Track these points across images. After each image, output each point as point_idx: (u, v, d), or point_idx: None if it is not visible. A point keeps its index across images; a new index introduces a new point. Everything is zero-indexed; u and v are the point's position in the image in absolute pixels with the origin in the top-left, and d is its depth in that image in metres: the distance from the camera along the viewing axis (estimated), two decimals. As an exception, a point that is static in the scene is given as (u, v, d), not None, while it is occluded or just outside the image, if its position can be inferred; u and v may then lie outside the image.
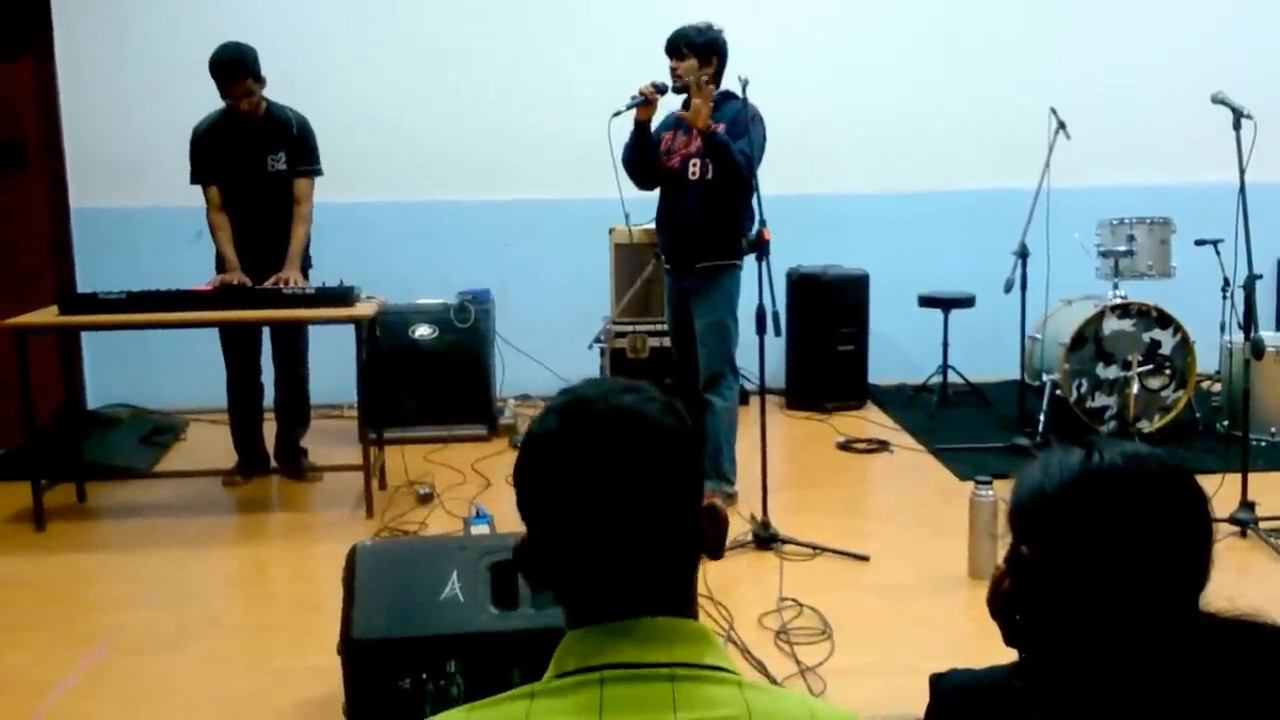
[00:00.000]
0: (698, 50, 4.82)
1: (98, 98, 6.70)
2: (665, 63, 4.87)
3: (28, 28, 6.59)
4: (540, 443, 1.24)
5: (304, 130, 5.31)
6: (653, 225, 5.63)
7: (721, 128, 4.74)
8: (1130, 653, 1.32)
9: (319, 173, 5.36)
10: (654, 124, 4.96)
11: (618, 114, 4.82)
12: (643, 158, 4.97)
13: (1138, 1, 7.17)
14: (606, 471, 1.19)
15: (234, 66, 5.03)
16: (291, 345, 5.49)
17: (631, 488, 1.20)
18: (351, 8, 6.81)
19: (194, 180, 5.28)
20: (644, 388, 1.27)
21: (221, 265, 5.29)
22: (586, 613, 1.22)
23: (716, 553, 1.29)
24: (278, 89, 5.25)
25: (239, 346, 5.40)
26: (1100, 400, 5.88)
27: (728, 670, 1.20)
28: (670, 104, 5.00)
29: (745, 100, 4.64)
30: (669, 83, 4.88)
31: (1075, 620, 1.35)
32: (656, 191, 5.12)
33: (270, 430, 5.61)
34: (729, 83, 4.84)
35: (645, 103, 4.83)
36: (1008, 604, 1.44)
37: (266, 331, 5.47)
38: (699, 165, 4.87)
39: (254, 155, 5.23)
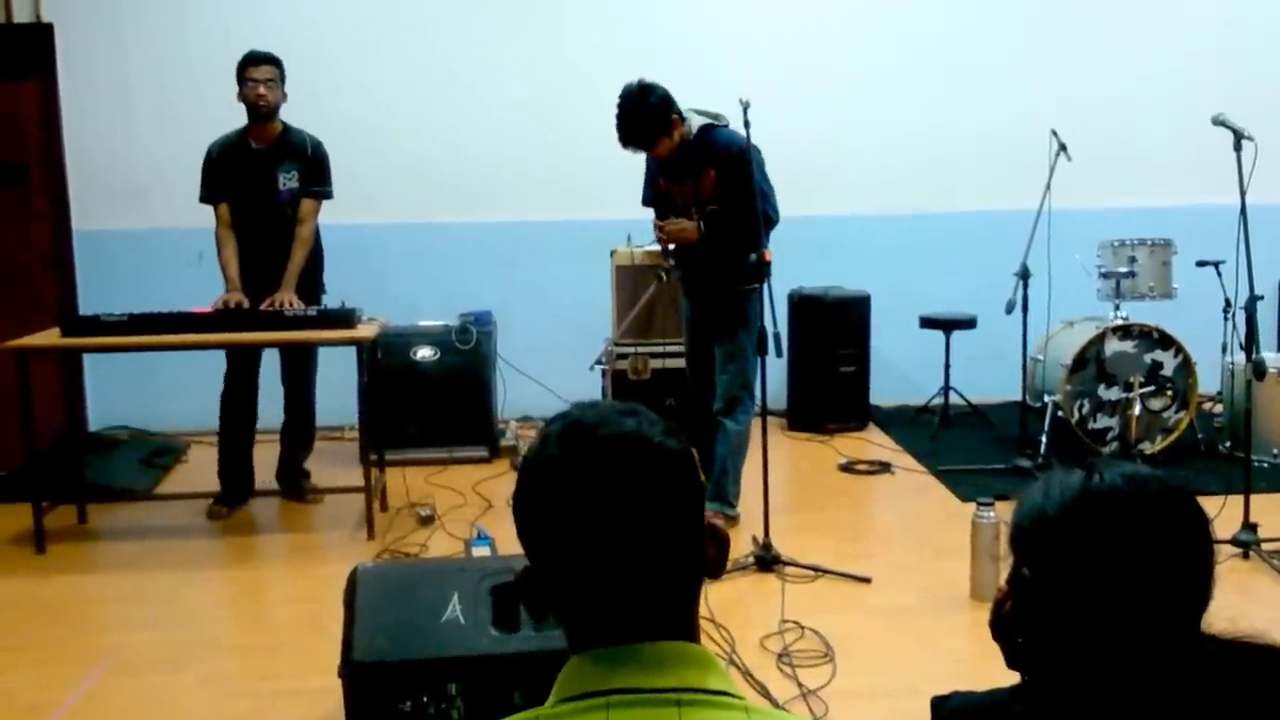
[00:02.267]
0: (658, 126, 4.70)
1: (100, 120, 6.73)
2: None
3: (31, 50, 6.63)
4: (542, 471, 1.22)
5: (318, 152, 5.33)
6: (654, 247, 5.66)
7: (711, 176, 4.79)
8: (1132, 675, 1.32)
9: (328, 195, 5.36)
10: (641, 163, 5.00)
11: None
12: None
13: (1138, 23, 7.19)
14: (613, 497, 1.18)
15: (265, 53, 5.10)
16: (301, 368, 5.48)
17: (638, 512, 1.19)
18: (356, 32, 6.84)
19: (203, 199, 5.28)
20: (641, 410, 1.26)
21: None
22: (590, 637, 1.22)
23: (717, 572, 1.28)
24: (283, 111, 5.26)
25: (240, 367, 5.37)
26: (1102, 421, 5.87)
27: (733, 695, 1.20)
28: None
29: (747, 122, 4.57)
30: (669, 247, 5.04)
31: (1077, 642, 1.35)
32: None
33: (268, 452, 5.57)
34: (729, 103, 4.78)
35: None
36: (1010, 626, 1.43)
37: (268, 354, 5.45)
38: (698, 212, 4.89)
39: (266, 177, 5.23)
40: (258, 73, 5.08)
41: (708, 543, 1.26)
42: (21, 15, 6.60)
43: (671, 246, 4.99)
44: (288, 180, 5.26)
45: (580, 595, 1.22)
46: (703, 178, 4.82)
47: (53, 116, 6.70)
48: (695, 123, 4.85)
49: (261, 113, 5.14)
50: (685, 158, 4.84)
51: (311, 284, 5.38)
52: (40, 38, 6.62)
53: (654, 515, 1.19)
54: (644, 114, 4.67)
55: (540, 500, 1.22)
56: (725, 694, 1.19)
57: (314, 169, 5.30)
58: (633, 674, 1.17)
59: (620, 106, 4.69)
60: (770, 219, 4.74)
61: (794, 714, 1.35)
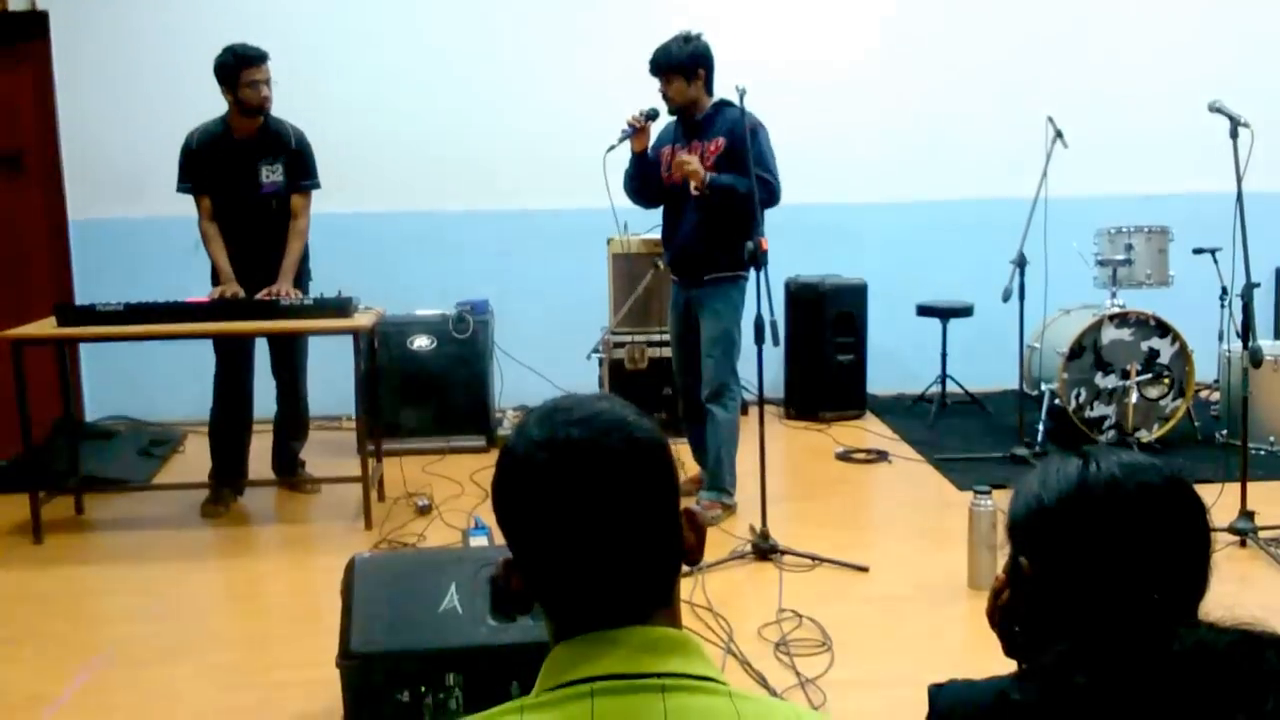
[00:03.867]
0: (681, 68, 4.82)
1: (96, 109, 6.71)
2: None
3: (26, 38, 6.60)
4: (519, 460, 1.23)
5: (302, 143, 5.29)
6: (650, 235, 5.67)
7: (719, 144, 4.78)
8: (1129, 663, 1.32)
9: (317, 186, 5.34)
10: (652, 138, 4.99)
11: (612, 148, 4.90)
12: (645, 184, 5.00)
13: (1134, 10, 7.19)
14: (588, 483, 1.20)
15: (260, 50, 5.04)
16: (291, 357, 5.45)
17: (614, 498, 1.20)
18: (351, 20, 6.82)
19: (180, 188, 5.22)
20: (614, 398, 1.28)
21: (217, 275, 5.26)
22: (573, 625, 1.23)
23: (696, 558, 1.29)
24: (277, 99, 5.23)
25: (233, 360, 5.31)
26: (1099, 409, 5.87)
27: (717, 680, 1.20)
28: (668, 116, 5.02)
29: (743, 110, 4.65)
30: (660, 106, 4.92)
31: (1074, 631, 1.35)
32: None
33: (261, 443, 5.54)
34: (726, 90, 4.83)
35: (637, 133, 4.88)
36: (1007, 616, 1.43)
37: (259, 346, 5.41)
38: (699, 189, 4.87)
39: (249, 168, 5.19)
40: (259, 73, 5.03)
41: (686, 529, 1.28)
42: (17, 3, 6.58)
43: (637, 126, 4.91)
44: (271, 173, 5.22)
45: (561, 583, 1.23)
46: (710, 146, 4.84)
47: (48, 105, 6.69)
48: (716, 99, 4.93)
49: (264, 112, 5.12)
50: (698, 125, 4.90)
51: (299, 274, 5.35)
52: (35, 25, 6.60)
53: (630, 500, 1.21)
54: (676, 47, 4.83)
55: (518, 489, 1.23)
56: (709, 679, 1.20)
57: (300, 162, 5.27)
58: (616, 660, 1.19)
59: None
60: (773, 190, 4.76)
61: (779, 700, 1.36)
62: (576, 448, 1.20)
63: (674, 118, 5.01)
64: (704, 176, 4.73)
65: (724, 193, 4.72)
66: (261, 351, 5.44)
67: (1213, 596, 1.37)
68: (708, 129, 4.88)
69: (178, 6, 6.69)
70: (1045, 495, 1.38)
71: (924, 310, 6.81)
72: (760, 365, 4.52)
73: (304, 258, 5.42)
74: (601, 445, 1.21)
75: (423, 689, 2.90)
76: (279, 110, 5.25)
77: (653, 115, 4.93)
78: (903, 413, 6.84)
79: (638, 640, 1.20)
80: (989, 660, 1.52)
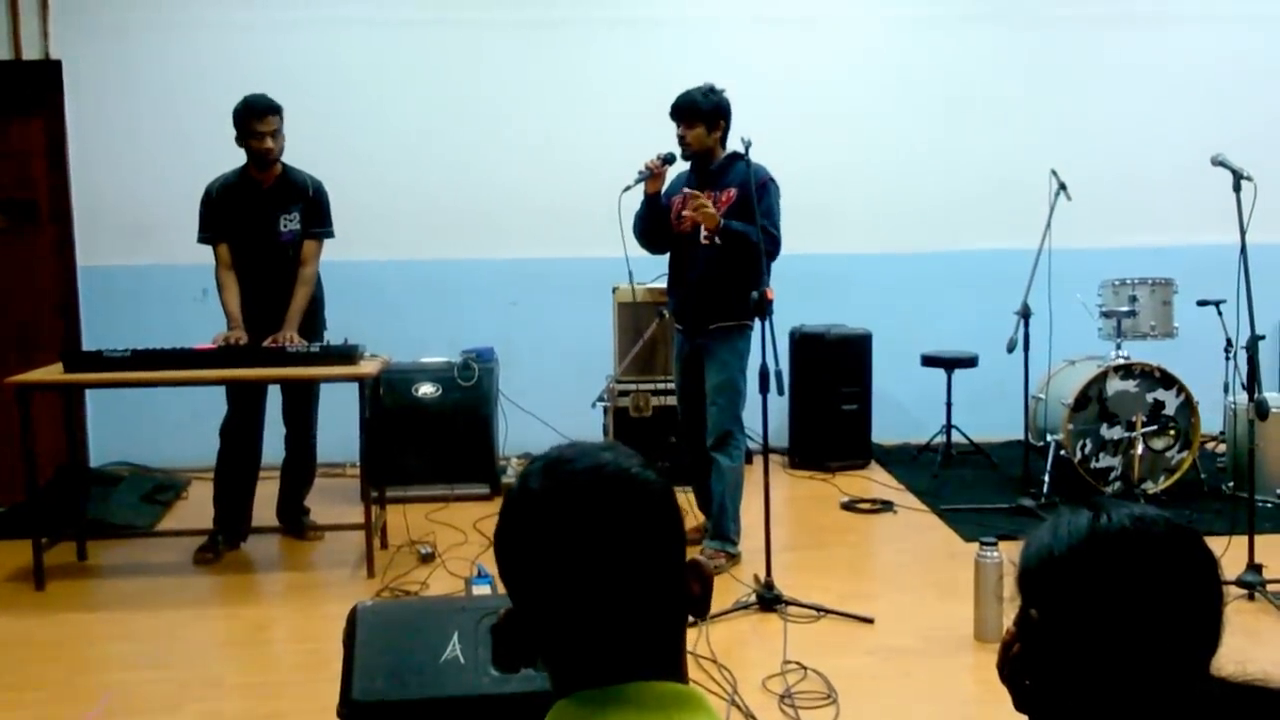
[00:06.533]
0: (705, 116, 4.88)
1: (106, 157, 6.76)
2: (669, 125, 4.93)
3: (40, 87, 6.67)
4: (522, 508, 1.22)
5: (320, 193, 5.33)
6: (656, 284, 5.69)
7: (730, 195, 4.81)
8: (1142, 718, 1.31)
9: (330, 235, 5.37)
10: (665, 183, 5.02)
11: (627, 189, 4.92)
12: (655, 228, 5.04)
13: (1138, 64, 7.24)
14: (593, 533, 1.18)
15: (267, 103, 5.09)
16: (303, 405, 5.46)
17: (619, 548, 1.19)
18: (363, 71, 6.88)
19: (201, 238, 5.27)
20: (618, 446, 1.27)
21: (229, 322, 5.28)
22: (576, 678, 1.21)
23: (702, 611, 1.28)
24: (288, 150, 5.27)
25: (242, 409, 5.32)
26: (1105, 461, 5.86)
27: None
28: (681, 164, 5.07)
29: (749, 161, 4.69)
30: (676, 152, 4.96)
31: (1086, 685, 1.34)
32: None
33: (267, 489, 5.53)
34: (733, 141, 4.89)
35: (653, 176, 4.91)
36: (1017, 668, 1.42)
37: (271, 394, 5.42)
38: (709, 238, 4.90)
39: (267, 217, 5.23)
40: (263, 125, 5.08)
41: (691, 580, 1.26)
42: (30, 53, 6.65)
43: (654, 170, 4.93)
44: (289, 222, 5.26)
45: (563, 635, 1.21)
46: (723, 197, 4.87)
47: (60, 153, 6.74)
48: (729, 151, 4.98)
49: (268, 163, 5.16)
50: (711, 175, 4.95)
51: (313, 322, 5.38)
52: (48, 75, 6.67)
53: (630, 554, 1.19)
54: (700, 97, 4.88)
55: (521, 537, 1.22)
56: None
57: (315, 210, 5.31)
58: (619, 716, 1.17)
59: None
60: (775, 243, 4.80)
61: None
62: (577, 500, 1.19)
63: (688, 166, 5.05)
64: (719, 221, 4.76)
65: (735, 237, 4.75)
66: (270, 398, 5.44)
67: (1222, 650, 1.36)
68: (721, 179, 4.92)
69: (190, 57, 6.76)
70: (1056, 546, 1.37)
71: (929, 360, 6.82)
72: (765, 414, 4.52)
73: (319, 306, 5.46)
74: (602, 498, 1.19)
75: (425, 739, 2.87)
76: (291, 161, 5.29)
77: (670, 160, 4.97)
78: (907, 463, 6.83)
79: (642, 696, 1.19)
80: (997, 714, 1.51)
